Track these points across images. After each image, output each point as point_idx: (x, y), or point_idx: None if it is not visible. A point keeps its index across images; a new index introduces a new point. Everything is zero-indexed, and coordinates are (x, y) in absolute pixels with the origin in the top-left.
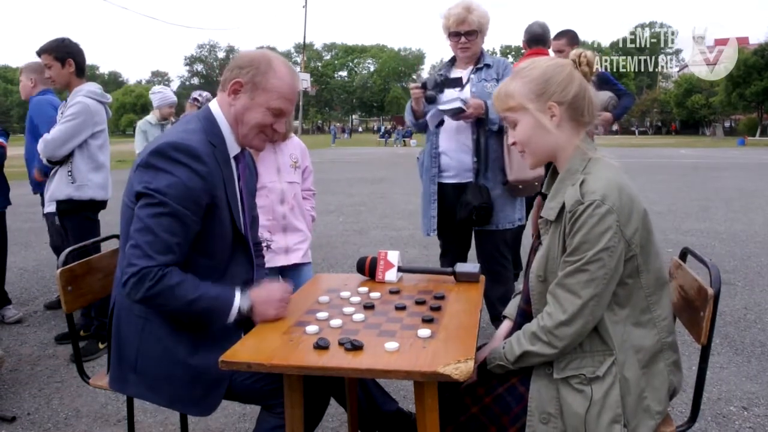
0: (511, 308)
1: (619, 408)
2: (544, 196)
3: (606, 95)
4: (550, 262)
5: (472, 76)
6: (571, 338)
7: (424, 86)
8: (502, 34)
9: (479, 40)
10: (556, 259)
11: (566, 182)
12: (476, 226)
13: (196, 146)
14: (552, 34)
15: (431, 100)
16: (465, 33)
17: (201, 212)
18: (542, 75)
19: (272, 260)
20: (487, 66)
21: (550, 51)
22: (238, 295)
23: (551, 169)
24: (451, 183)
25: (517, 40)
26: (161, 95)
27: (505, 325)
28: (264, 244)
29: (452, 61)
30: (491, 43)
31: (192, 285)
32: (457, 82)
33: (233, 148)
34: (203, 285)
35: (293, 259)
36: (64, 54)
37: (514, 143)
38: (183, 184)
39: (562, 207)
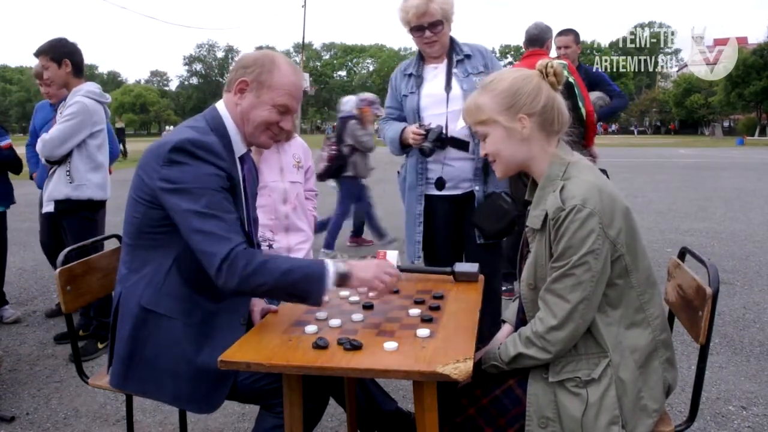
0: (510, 313)
1: (617, 410)
2: (528, 203)
3: (592, 96)
4: (538, 270)
5: (455, 70)
6: (564, 342)
7: (426, 134)
8: (502, 34)
9: (446, 29)
10: (544, 266)
11: (547, 189)
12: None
13: (212, 143)
14: (553, 34)
15: (427, 154)
16: (429, 25)
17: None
18: (510, 87)
19: None
20: (467, 57)
21: (553, 50)
22: (328, 260)
23: (531, 178)
24: (448, 195)
25: (517, 39)
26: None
27: (505, 329)
28: (266, 244)
29: (422, 57)
30: (491, 43)
31: (281, 258)
32: (464, 146)
33: (239, 149)
34: (291, 258)
35: None
36: (60, 54)
37: (486, 155)
38: (209, 174)
39: (546, 215)
